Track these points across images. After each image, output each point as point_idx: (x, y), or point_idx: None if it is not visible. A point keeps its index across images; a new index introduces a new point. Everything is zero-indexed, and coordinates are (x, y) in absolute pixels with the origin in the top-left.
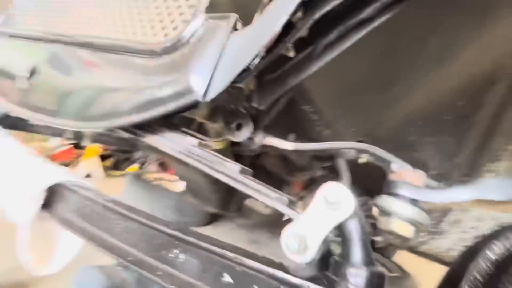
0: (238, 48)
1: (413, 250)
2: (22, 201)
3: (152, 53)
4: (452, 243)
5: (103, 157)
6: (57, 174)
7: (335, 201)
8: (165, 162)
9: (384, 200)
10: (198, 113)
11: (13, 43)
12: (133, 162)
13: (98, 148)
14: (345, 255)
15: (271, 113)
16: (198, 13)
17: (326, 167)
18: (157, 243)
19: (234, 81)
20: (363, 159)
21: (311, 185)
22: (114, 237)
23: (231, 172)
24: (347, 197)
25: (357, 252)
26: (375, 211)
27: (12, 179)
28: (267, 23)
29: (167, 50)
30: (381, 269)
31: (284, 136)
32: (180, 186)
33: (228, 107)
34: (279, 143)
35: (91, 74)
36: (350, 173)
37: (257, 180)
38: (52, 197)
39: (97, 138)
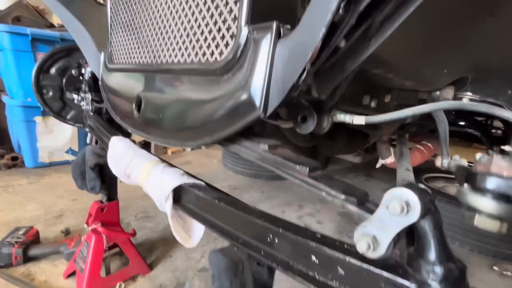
0: (286, 60)
1: None
2: (161, 200)
3: (213, 73)
4: None
5: None
6: (177, 178)
7: (401, 207)
8: None
9: (469, 196)
10: None
11: (119, 77)
12: None
13: None
14: (420, 252)
15: (335, 97)
16: (241, 28)
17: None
18: (256, 230)
19: (289, 93)
20: (466, 98)
21: (403, 129)
22: (226, 224)
23: (301, 175)
24: (413, 202)
25: (431, 250)
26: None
27: (151, 181)
28: (307, 33)
29: (224, 70)
30: (461, 264)
31: (357, 101)
32: None
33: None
34: (349, 119)
35: (176, 98)
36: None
37: (328, 176)
38: (179, 194)
39: None
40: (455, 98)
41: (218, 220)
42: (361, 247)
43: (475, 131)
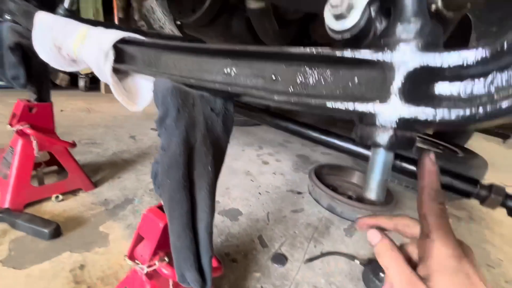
0: None
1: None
2: (99, 60)
3: None
4: None
5: None
6: (119, 33)
7: None
8: None
9: None
10: None
11: None
12: None
13: None
14: (395, 15)
15: None
16: None
17: None
18: (209, 65)
19: None
20: None
21: None
22: (175, 70)
23: None
24: None
25: (407, 7)
26: None
27: (88, 44)
28: None
29: None
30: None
31: None
32: None
33: None
34: None
35: None
36: None
37: None
38: (121, 56)
39: None
40: None
41: (171, 70)
42: (334, 3)
43: None
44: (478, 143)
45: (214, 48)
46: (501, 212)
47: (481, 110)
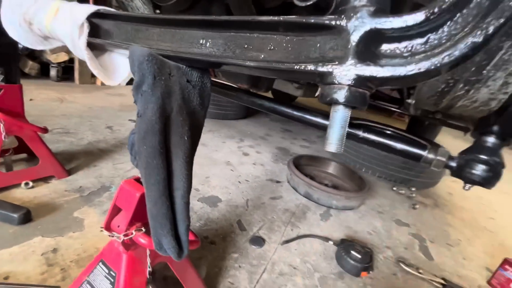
0: None
1: (446, 114)
2: (74, 34)
3: None
4: (494, 89)
5: None
6: (93, 7)
7: None
8: None
9: None
10: None
11: None
12: None
13: None
14: None
15: None
16: None
17: None
18: (186, 38)
19: None
20: None
21: None
22: (153, 42)
23: None
24: None
25: None
26: None
27: (61, 17)
28: None
29: None
30: None
31: None
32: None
33: None
34: None
35: None
36: None
37: None
38: (96, 31)
39: None
40: None
41: (148, 43)
42: None
43: (393, 106)
44: (446, 140)
45: (191, 19)
46: (462, 199)
47: (418, 66)
